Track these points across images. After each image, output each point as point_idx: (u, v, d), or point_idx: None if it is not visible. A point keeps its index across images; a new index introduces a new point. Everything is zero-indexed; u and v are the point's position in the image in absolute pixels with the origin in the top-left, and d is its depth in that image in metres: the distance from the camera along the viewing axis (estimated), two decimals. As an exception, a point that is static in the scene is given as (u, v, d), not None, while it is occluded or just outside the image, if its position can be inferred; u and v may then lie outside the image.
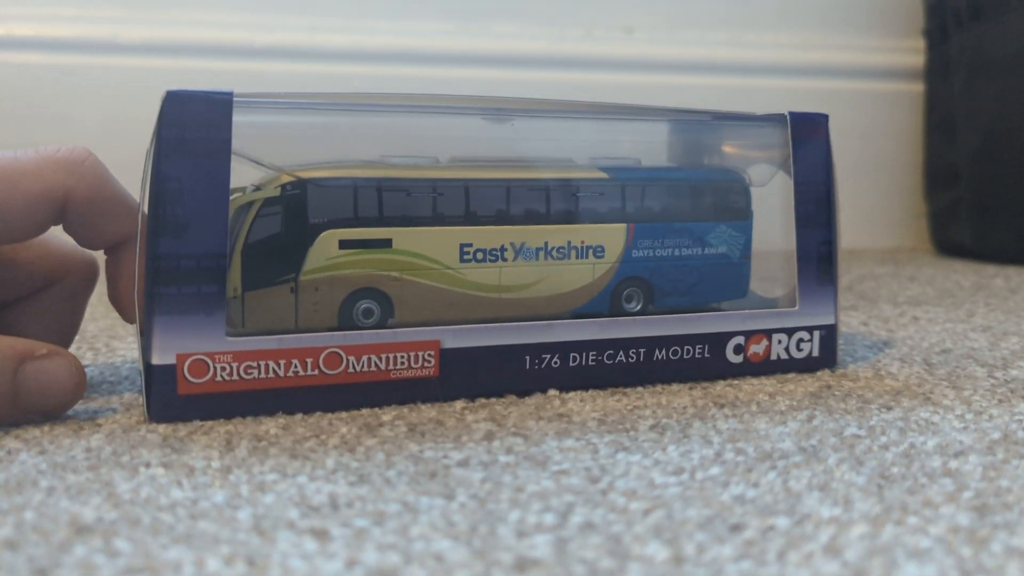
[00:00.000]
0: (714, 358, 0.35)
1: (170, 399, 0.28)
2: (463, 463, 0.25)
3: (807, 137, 0.36)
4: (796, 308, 0.36)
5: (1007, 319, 0.49)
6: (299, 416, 0.30)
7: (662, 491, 0.23)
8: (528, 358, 0.32)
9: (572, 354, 0.33)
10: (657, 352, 0.34)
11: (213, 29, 0.83)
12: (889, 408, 0.31)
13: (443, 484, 0.24)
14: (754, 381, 0.35)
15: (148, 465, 0.25)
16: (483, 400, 0.32)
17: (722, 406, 0.31)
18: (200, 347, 0.28)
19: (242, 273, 0.30)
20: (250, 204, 0.31)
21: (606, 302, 0.35)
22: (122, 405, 0.31)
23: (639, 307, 0.35)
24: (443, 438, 0.27)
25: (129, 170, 0.84)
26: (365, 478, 0.24)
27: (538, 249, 0.33)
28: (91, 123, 0.82)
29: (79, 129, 0.82)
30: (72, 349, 0.40)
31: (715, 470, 0.25)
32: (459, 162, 0.34)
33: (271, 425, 0.29)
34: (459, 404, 0.31)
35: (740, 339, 0.35)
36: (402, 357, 0.31)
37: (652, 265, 0.35)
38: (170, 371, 0.28)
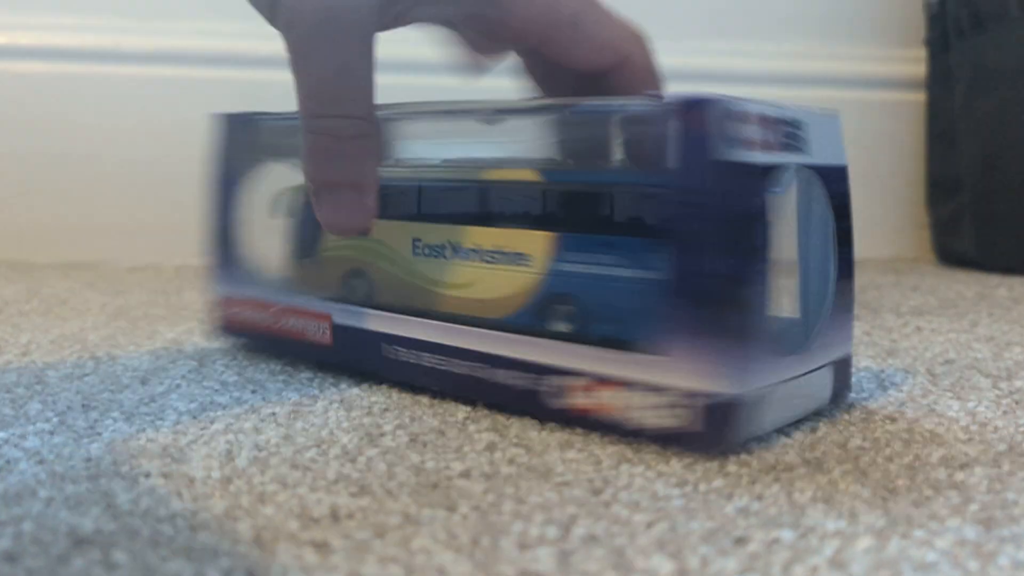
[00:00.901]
0: (530, 400, 0.30)
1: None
2: (464, 474, 0.25)
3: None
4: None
5: (1011, 329, 0.49)
6: (299, 426, 0.30)
7: (665, 503, 0.23)
8: (384, 345, 0.35)
9: (424, 353, 0.33)
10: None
11: (215, 39, 0.83)
12: (893, 419, 0.31)
13: (445, 495, 0.23)
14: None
15: (148, 475, 0.25)
16: (485, 410, 0.31)
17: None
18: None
19: (292, 245, 0.39)
20: (296, 191, 0.38)
21: (531, 316, 0.31)
22: (122, 414, 0.31)
23: (569, 328, 0.30)
24: (445, 448, 0.27)
25: (132, 178, 0.84)
26: (366, 489, 0.24)
27: (470, 250, 0.33)
28: (93, 132, 0.82)
29: (82, 137, 0.82)
30: (73, 358, 0.40)
31: (718, 482, 0.25)
32: (436, 163, 0.34)
33: (271, 435, 0.28)
34: (461, 414, 0.31)
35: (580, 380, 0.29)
36: (310, 324, 0.37)
37: (580, 282, 0.30)
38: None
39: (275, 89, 0.82)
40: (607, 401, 0.28)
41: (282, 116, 0.39)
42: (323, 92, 0.30)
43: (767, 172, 0.27)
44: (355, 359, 0.36)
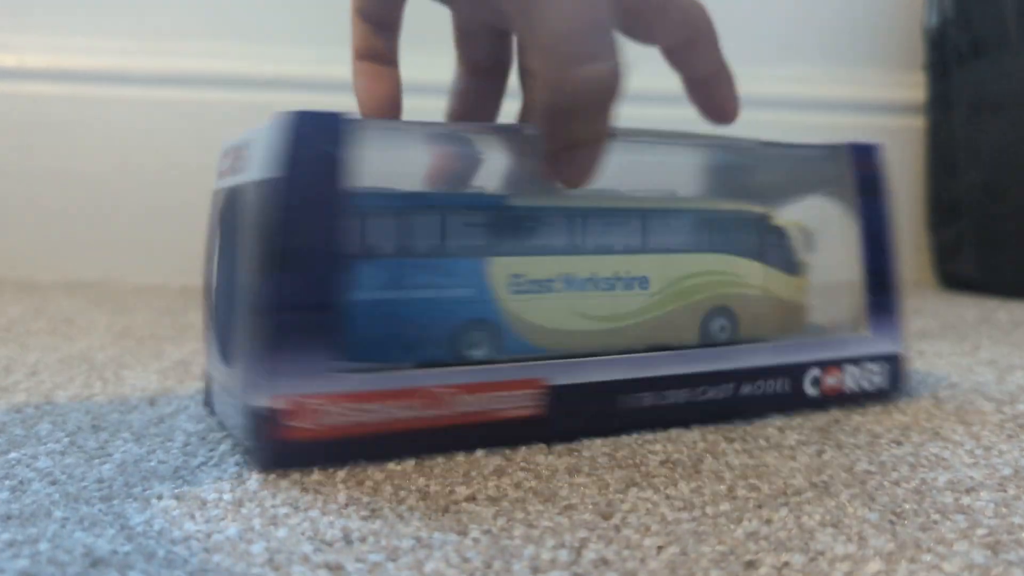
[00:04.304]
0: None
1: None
2: (471, 498, 0.25)
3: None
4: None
5: (1012, 353, 0.49)
6: (309, 448, 0.30)
7: (675, 527, 0.23)
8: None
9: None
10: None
11: (222, 60, 0.84)
12: (899, 443, 0.31)
13: (455, 519, 0.24)
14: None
15: (160, 497, 0.25)
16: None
17: (732, 440, 0.31)
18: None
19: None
20: None
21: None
22: (132, 435, 0.31)
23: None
24: (452, 472, 0.27)
25: (138, 198, 0.84)
26: (377, 512, 0.24)
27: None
28: (100, 152, 0.83)
29: (88, 158, 0.82)
30: (80, 378, 0.40)
31: (726, 506, 0.25)
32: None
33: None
34: (469, 437, 0.31)
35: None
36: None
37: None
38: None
39: (286, 110, 0.83)
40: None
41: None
42: (573, 37, 0.28)
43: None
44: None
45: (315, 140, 0.28)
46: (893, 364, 0.37)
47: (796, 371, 0.35)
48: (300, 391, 0.27)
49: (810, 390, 0.35)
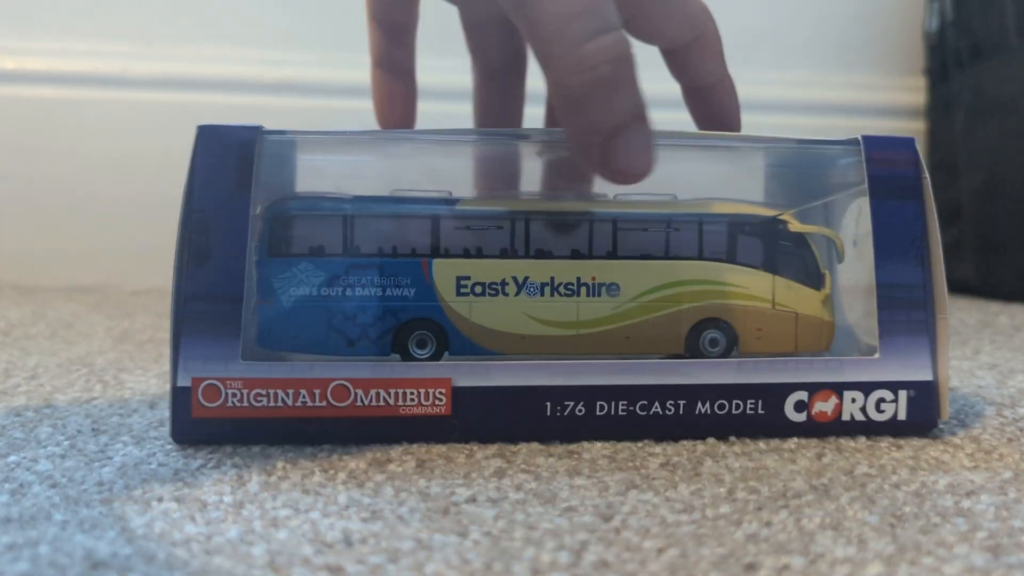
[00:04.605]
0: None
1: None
2: (471, 499, 0.25)
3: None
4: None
5: (1013, 357, 0.49)
6: (307, 451, 0.30)
7: (675, 529, 0.23)
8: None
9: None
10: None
11: (223, 64, 0.84)
12: (899, 447, 0.31)
13: (456, 521, 0.24)
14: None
15: (160, 499, 0.25)
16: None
17: (732, 443, 0.31)
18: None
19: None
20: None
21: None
22: (132, 438, 0.31)
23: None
24: (452, 475, 0.27)
25: (137, 201, 0.85)
26: (378, 514, 0.24)
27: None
28: (99, 156, 0.83)
29: (87, 161, 0.82)
30: (80, 382, 0.40)
31: (726, 508, 0.25)
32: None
33: (279, 459, 0.29)
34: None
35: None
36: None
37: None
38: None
39: (282, 115, 0.83)
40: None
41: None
42: (576, 19, 0.26)
43: None
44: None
45: (221, 151, 0.31)
46: (920, 394, 0.32)
47: (772, 392, 0.31)
48: (207, 374, 0.29)
49: (794, 415, 0.31)
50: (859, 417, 0.32)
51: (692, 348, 0.33)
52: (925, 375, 0.32)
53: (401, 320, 0.32)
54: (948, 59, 0.86)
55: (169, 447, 0.30)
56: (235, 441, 0.30)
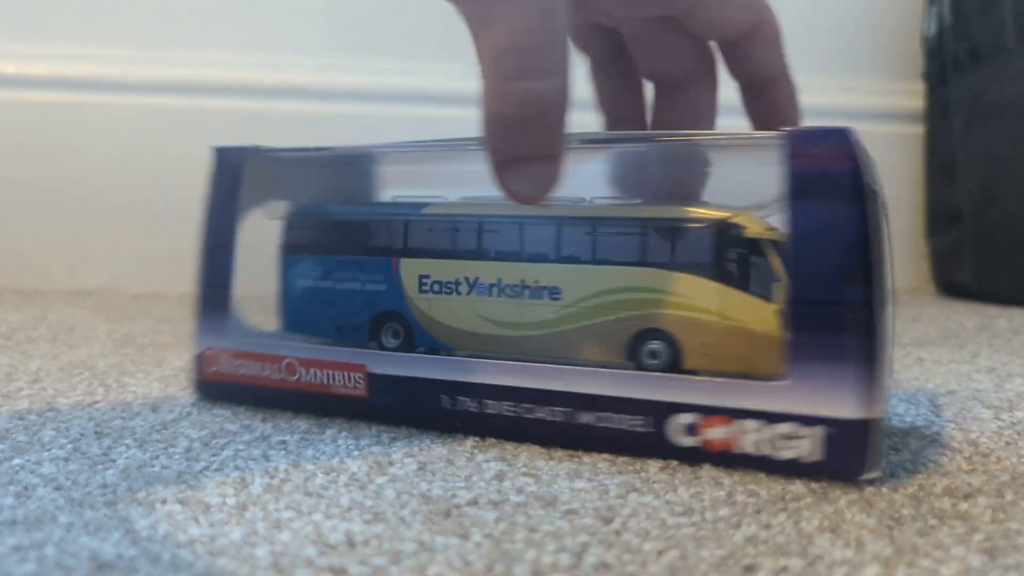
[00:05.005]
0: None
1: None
2: (473, 502, 0.25)
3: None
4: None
5: (1011, 360, 0.49)
6: (309, 454, 0.30)
7: (675, 532, 0.23)
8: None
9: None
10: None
11: (222, 68, 0.84)
12: (897, 450, 0.31)
13: (457, 523, 0.24)
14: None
15: (164, 501, 0.25)
16: (493, 439, 0.32)
17: (731, 446, 0.31)
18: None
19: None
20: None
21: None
22: (135, 441, 0.31)
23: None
24: (454, 477, 0.28)
25: (138, 205, 0.85)
26: (380, 516, 0.24)
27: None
28: (100, 160, 0.83)
29: (88, 166, 0.83)
30: (83, 385, 0.40)
31: (725, 511, 0.25)
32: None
33: (282, 462, 0.29)
34: (469, 443, 0.31)
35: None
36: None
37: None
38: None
39: (283, 119, 0.83)
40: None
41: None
42: (518, 52, 0.27)
43: None
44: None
45: (226, 167, 0.37)
46: (841, 433, 0.26)
47: (654, 411, 0.29)
48: (209, 345, 0.37)
49: (682, 439, 0.28)
50: (755, 452, 0.28)
51: (633, 359, 0.32)
52: (848, 411, 0.26)
53: (376, 312, 0.36)
54: (946, 63, 0.86)
55: (172, 449, 0.30)
56: (228, 400, 0.37)
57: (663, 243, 0.31)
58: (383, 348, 0.36)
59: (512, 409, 0.31)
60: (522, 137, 0.28)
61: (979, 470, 0.29)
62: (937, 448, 0.31)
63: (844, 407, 0.26)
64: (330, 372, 0.34)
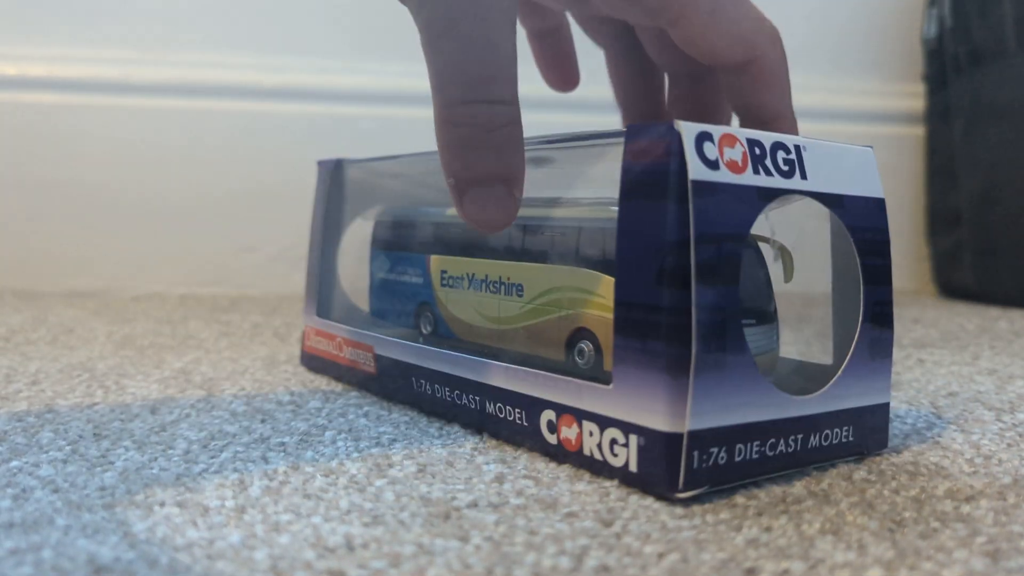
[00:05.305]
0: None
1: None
2: (473, 504, 0.25)
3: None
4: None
5: (1012, 362, 0.49)
6: (309, 456, 0.30)
7: (676, 535, 0.23)
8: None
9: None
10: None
11: (222, 70, 0.84)
12: (898, 452, 0.31)
13: (457, 526, 0.24)
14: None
15: (163, 504, 0.25)
16: (493, 441, 0.32)
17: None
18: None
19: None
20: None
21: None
22: (134, 443, 0.31)
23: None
24: (453, 479, 0.28)
25: (138, 207, 0.85)
26: (379, 519, 0.24)
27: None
28: (100, 161, 0.83)
29: (88, 167, 0.83)
30: (81, 387, 0.40)
31: (726, 514, 0.25)
32: None
33: (281, 464, 0.29)
34: (469, 445, 0.31)
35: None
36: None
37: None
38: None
39: (284, 120, 0.83)
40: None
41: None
42: (465, 75, 0.27)
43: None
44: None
45: (323, 175, 0.45)
46: (651, 445, 0.25)
47: (530, 406, 0.30)
48: (307, 324, 0.45)
49: (548, 436, 0.29)
50: (596, 455, 0.27)
51: (569, 357, 0.32)
52: (658, 423, 0.25)
53: (417, 302, 0.40)
54: (947, 65, 0.86)
55: (170, 451, 0.30)
56: (315, 370, 0.45)
57: (593, 243, 0.31)
58: (422, 335, 0.40)
59: (449, 395, 0.34)
60: (474, 158, 0.27)
61: (981, 472, 0.29)
62: (939, 450, 0.31)
63: (654, 418, 0.25)
64: (356, 350, 0.40)
